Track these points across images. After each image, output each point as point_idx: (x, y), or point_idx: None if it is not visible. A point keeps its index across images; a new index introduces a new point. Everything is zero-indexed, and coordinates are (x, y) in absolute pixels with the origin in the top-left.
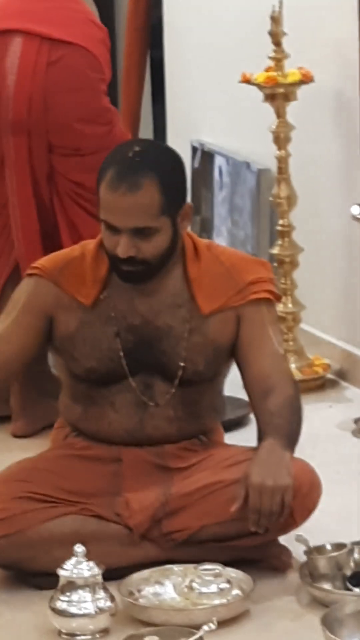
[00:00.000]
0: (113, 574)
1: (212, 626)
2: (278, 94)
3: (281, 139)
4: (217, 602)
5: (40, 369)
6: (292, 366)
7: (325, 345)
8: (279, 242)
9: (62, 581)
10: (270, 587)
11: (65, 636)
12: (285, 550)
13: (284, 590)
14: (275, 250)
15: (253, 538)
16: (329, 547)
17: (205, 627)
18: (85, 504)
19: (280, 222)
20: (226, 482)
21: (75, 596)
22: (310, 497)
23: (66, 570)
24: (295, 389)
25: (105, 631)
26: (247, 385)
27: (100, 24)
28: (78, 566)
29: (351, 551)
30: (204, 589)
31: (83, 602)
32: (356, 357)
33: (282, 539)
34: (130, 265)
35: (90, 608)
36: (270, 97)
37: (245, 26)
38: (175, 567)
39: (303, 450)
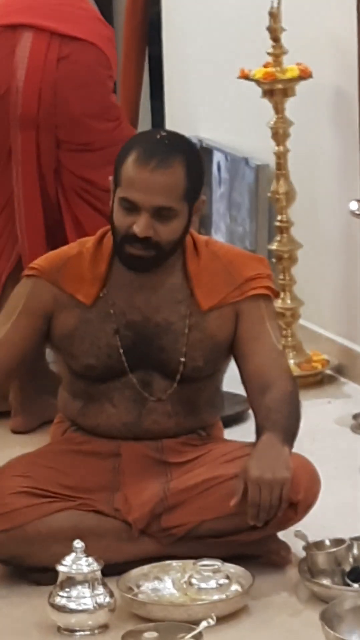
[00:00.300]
0: (112, 569)
1: (211, 622)
2: (276, 90)
3: (280, 134)
4: (216, 597)
5: (39, 365)
6: (291, 362)
7: (324, 341)
8: (278, 237)
9: (61, 577)
10: (269, 583)
11: (64, 632)
12: (284, 545)
13: (283, 586)
14: (274, 246)
15: (252, 533)
16: (328, 542)
17: (204, 623)
18: (84, 499)
19: (279, 217)
20: (225, 477)
21: (74, 592)
22: (309, 493)
23: (65, 565)
24: (294, 384)
25: (104, 627)
26: (245, 381)
27: (106, 22)
28: (77, 562)
29: (350, 547)
30: (203, 585)
31: (82, 597)
32: (355, 352)
33: (281, 535)
34: (142, 248)
35: (89, 604)
36: (268, 93)
37: (243, 22)
38: (174, 563)
39: (302, 445)
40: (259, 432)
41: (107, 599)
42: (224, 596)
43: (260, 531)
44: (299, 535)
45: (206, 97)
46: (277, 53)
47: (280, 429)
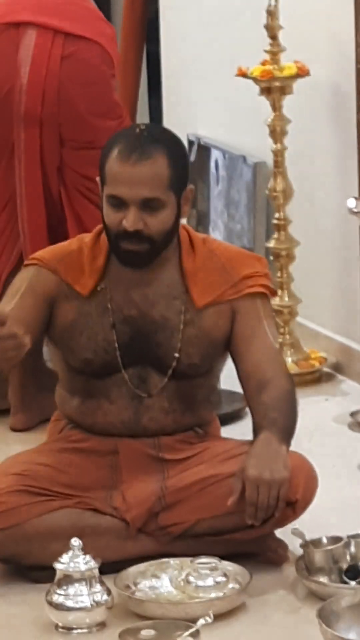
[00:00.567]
0: (109, 567)
1: (209, 619)
2: (274, 88)
3: (277, 132)
4: (213, 595)
5: (37, 363)
6: (289, 359)
7: (322, 339)
8: (275, 235)
9: (58, 575)
10: (266, 581)
11: (61, 630)
12: (281, 543)
13: (280, 584)
14: (272, 244)
15: (249, 531)
16: (325, 540)
17: (201, 621)
18: (82, 498)
19: (277, 215)
20: (222, 476)
21: (71, 590)
22: (306, 491)
23: (63, 563)
24: (291, 382)
25: (101, 625)
26: (242, 379)
27: (108, 21)
28: (74, 560)
29: (347, 544)
30: (200, 583)
31: (79, 595)
32: (352, 350)
33: (279, 532)
34: (134, 242)
35: (86, 602)
36: (266, 91)
37: (241, 20)
38: (172, 561)
39: (299, 443)
40: (256, 430)
41: (105, 597)
42: (221, 594)
43: (257, 530)
44: (297, 533)
45: (204, 94)
46: (275, 51)
47: (278, 427)
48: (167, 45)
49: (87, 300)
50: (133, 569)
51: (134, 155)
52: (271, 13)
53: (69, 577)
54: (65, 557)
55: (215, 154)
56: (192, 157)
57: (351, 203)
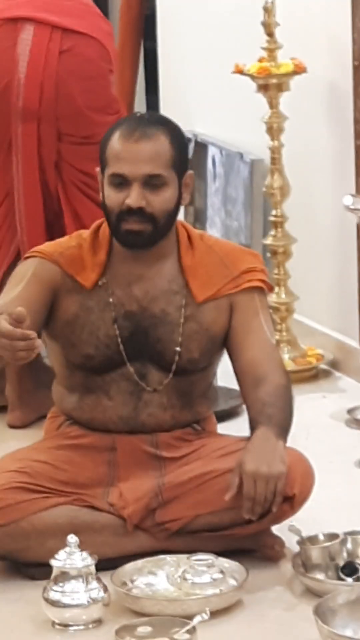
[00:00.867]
0: (106, 564)
1: (205, 616)
2: (271, 85)
3: (274, 129)
4: (210, 592)
5: (34, 360)
6: (286, 356)
7: (319, 336)
8: (272, 232)
9: (55, 571)
10: (263, 577)
11: (58, 627)
12: (278, 540)
13: (277, 581)
14: (269, 241)
15: (246, 527)
16: (321, 537)
17: (198, 617)
18: (79, 495)
19: (274, 212)
20: (219, 472)
21: (68, 586)
22: (303, 487)
23: (59, 560)
24: (287, 378)
25: (98, 621)
26: (238, 374)
27: (106, 18)
28: (71, 556)
29: (344, 541)
30: (197, 579)
31: (76, 592)
32: (349, 347)
33: (275, 529)
34: (138, 221)
35: (83, 598)
36: (263, 88)
37: (238, 17)
38: (169, 558)
39: (296, 440)
40: (252, 425)
41: (101, 594)
42: (217, 591)
43: (254, 525)
44: (293, 529)
45: (201, 91)
46: (272, 48)
47: (275, 422)
48: (164, 42)
49: (89, 295)
50: (130, 566)
51: (136, 133)
52: (268, 10)
53: (65, 574)
54: (62, 554)
55: (212, 151)
56: (189, 154)
57: (348, 200)
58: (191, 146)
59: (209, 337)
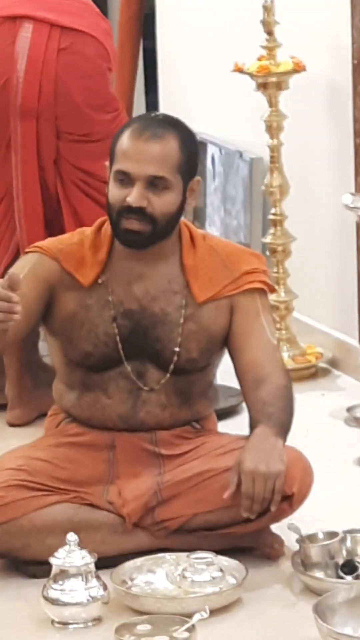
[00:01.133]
0: (106, 562)
1: (205, 614)
2: (270, 83)
3: (273, 128)
4: (209, 590)
5: (33, 358)
6: (285, 355)
7: (318, 334)
8: (272, 231)
9: (54, 570)
10: (262, 576)
11: (58, 625)
12: (277, 538)
13: (276, 579)
14: (268, 239)
15: (245, 526)
16: (321, 535)
17: (197, 616)
18: (78, 493)
19: (273, 211)
20: (218, 470)
21: (67, 585)
22: (302, 486)
23: (58, 558)
24: (288, 378)
25: (97, 620)
26: (239, 374)
27: (104, 16)
28: (70, 555)
29: (343, 539)
30: (196, 578)
31: (75, 590)
32: (349, 345)
33: (275, 527)
34: (137, 220)
35: (82, 597)
36: (262, 86)
37: (237, 15)
38: (168, 556)
39: (295, 438)
40: (252, 425)
41: (101, 592)
42: (217, 589)
43: (254, 524)
44: (292, 528)
45: (200, 90)
46: (271, 46)
47: (274, 422)
48: (163, 41)
49: (88, 293)
50: (129, 564)
51: (146, 132)
52: (267, 9)
53: (65, 572)
54: (61, 552)
55: (211, 150)
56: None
57: (347, 199)
58: None
59: (208, 337)
